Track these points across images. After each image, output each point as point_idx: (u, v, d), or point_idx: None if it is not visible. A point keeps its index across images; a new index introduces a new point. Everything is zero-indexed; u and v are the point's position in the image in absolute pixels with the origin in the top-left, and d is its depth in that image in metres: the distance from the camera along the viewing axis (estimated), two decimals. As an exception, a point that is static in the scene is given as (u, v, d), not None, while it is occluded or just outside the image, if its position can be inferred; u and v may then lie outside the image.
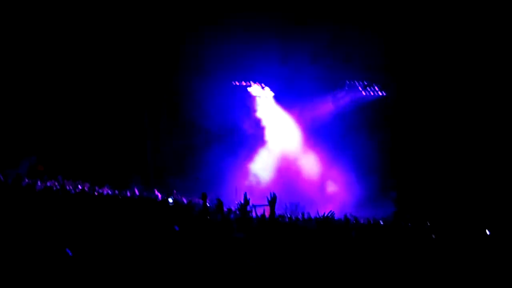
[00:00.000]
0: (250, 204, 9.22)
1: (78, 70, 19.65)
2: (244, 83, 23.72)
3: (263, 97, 23.98)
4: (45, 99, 19.26)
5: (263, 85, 23.71)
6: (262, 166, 23.59)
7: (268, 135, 24.09)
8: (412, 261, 8.01)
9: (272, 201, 8.52)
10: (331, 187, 22.41)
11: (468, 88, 18.26)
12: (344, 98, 22.43)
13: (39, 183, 11.03)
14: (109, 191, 13.10)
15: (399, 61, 19.29)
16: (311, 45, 20.99)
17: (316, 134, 23.20)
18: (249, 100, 24.09)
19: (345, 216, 11.63)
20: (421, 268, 7.74)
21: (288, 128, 24.01)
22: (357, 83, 22.11)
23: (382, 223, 11.73)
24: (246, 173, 23.49)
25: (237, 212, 9.79)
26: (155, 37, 20.47)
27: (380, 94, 21.77)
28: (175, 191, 20.14)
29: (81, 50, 19.41)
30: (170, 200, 13.47)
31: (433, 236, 9.92)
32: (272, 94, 23.80)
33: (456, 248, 8.93)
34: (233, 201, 18.94)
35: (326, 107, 22.78)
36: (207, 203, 9.83)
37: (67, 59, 19.34)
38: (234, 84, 23.63)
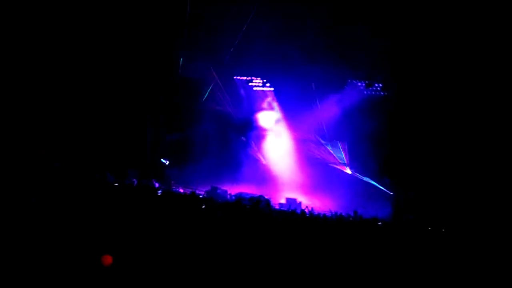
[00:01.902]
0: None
1: (80, 62, 19.57)
2: (245, 78, 23.81)
3: (264, 92, 24.06)
4: (46, 90, 19.18)
5: (264, 80, 23.76)
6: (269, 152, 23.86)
7: (269, 127, 24.18)
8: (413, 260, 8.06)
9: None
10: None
11: (471, 86, 18.27)
12: (345, 97, 22.39)
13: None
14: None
15: (400, 59, 19.27)
16: (311, 42, 21.12)
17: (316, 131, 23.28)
18: (250, 94, 24.18)
19: (355, 211, 11.75)
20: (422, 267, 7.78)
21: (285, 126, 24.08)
22: (358, 82, 22.12)
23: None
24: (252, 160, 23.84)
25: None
26: (156, 27, 20.48)
27: (382, 93, 21.79)
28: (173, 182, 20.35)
29: (82, 43, 19.37)
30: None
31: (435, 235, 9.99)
32: (272, 89, 23.86)
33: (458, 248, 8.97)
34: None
35: (328, 105, 22.74)
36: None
37: (68, 52, 19.27)
38: (236, 78, 23.72)
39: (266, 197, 15.20)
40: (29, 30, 18.29)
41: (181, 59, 22.39)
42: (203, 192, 18.79)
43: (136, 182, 16.48)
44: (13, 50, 18.02)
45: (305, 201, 19.23)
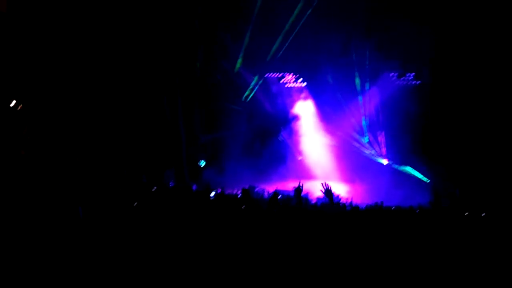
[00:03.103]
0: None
1: (113, 65, 19.93)
2: (277, 75, 23.89)
3: (296, 88, 24.10)
4: (82, 94, 19.60)
5: (296, 76, 23.79)
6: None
7: (304, 122, 24.21)
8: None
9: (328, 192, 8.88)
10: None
11: (505, 76, 17.94)
12: (380, 89, 22.26)
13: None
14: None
15: (434, 49, 19.04)
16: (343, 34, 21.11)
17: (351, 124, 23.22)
18: (283, 91, 24.25)
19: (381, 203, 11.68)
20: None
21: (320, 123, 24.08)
22: (390, 73, 21.96)
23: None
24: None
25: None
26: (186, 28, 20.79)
27: (414, 82, 21.58)
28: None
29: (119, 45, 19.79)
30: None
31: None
32: (304, 84, 23.88)
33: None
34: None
35: (363, 97, 22.64)
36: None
37: (101, 55, 19.69)
38: (268, 76, 23.83)
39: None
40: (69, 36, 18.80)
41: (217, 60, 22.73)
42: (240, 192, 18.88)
43: (172, 184, 16.69)
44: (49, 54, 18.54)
45: (343, 194, 19.16)
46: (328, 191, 9.09)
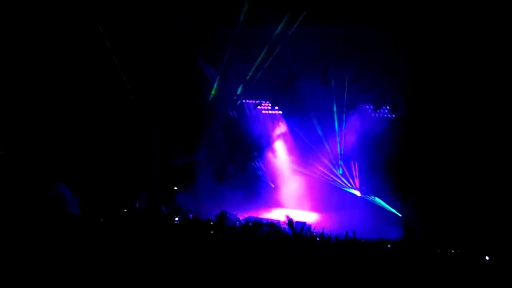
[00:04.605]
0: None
1: (86, 76, 19.72)
2: (253, 101, 23.94)
3: (273, 115, 24.15)
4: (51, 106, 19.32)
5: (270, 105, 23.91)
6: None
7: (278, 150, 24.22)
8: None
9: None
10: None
11: (478, 110, 18.18)
12: (355, 121, 22.37)
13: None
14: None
15: (410, 82, 19.28)
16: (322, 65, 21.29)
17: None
18: (259, 118, 24.27)
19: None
20: None
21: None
22: (367, 105, 22.13)
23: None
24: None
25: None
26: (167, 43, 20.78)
27: (390, 115, 21.76)
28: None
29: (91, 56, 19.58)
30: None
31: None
32: (280, 112, 23.94)
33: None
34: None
35: (338, 129, 22.76)
36: None
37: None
38: (245, 101, 23.87)
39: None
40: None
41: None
42: (213, 217, 18.68)
43: (144, 206, 16.46)
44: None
45: (314, 224, 19.05)
46: (290, 222, 9.31)
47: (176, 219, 13.02)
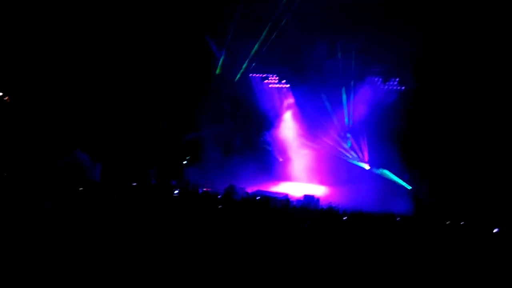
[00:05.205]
0: None
1: (96, 60, 19.73)
2: (261, 75, 23.84)
3: (281, 88, 24.05)
4: (62, 90, 19.37)
5: (278, 78, 23.80)
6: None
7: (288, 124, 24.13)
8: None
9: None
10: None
11: (488, 81, 17.96)
12: (365, 93, 22.20)
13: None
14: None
15: (419, 54, 19.01)
16: (329, 37, 21.08)
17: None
18: (267, 92, 24.19)
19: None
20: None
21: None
22: (376, 77, 21.93)
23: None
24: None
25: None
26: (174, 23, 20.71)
27: (399, 88, 21.57)
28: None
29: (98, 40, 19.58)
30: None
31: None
32: (288, 85, 23.83)
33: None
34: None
35: (347, 102, 22.63)
36: None
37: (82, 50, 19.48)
38: (252, 75, 23.76)
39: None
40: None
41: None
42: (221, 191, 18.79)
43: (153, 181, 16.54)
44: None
45: (323, 197, 19.10)
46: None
47: (176, 192, 13.02)
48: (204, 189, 15.95)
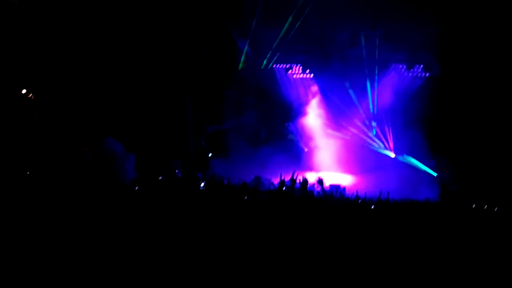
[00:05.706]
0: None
1: (122, 53, 19.98)
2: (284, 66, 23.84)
3: (305, 79, 24.02)
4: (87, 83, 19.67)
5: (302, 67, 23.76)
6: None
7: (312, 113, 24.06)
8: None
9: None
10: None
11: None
12: (389, 81, 22.06)
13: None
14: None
15: (443, 40, 18.81)
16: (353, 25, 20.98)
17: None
18: (291, 82, 24.19)
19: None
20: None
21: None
22: (400, 65, 21.78)
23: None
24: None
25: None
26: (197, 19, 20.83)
27: (423, 74, 21.39)
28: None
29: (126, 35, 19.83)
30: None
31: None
32: (312, 75, 23.78)
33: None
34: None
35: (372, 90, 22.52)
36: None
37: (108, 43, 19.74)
38: (275, 67, 23.78)
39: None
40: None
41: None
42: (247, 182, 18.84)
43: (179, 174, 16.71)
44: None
45: (349, 186, 19.07)
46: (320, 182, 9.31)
47: (202, 185, 13.11)
48: (230, 181, 16.08)
